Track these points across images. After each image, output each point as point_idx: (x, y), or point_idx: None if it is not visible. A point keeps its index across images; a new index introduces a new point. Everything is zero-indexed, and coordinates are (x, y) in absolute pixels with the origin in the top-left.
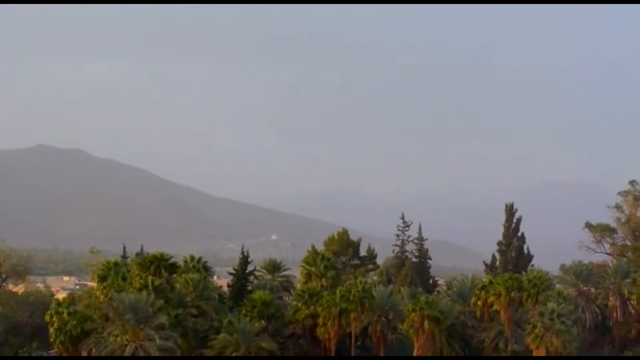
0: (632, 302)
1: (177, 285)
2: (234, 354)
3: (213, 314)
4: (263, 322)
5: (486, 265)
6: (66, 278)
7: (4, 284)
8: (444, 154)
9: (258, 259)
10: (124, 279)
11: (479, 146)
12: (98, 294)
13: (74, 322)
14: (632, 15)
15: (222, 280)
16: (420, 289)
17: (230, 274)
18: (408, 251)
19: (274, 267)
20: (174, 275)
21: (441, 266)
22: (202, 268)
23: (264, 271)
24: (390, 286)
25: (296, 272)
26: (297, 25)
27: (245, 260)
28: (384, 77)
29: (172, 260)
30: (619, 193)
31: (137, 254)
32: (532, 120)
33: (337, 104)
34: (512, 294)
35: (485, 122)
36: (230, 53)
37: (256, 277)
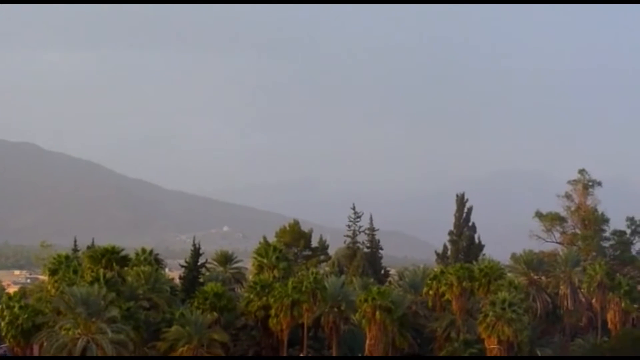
0: (582, 290)
1: (129, 278)
2: (186, 347)
3: (165, 307)
4: (215, 314)
5: (438, 255)
6: (17, 272)
7: None
8: (396, 145)
9: (210, 251)
10: (75, 272)
11: (430, 137)
12: (49, 287)
13: (25, 316)
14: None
15: (174, 273)
16: (372, 280)
17: (182, 266)
18: (359, 242)
19: (225, 259)
20: (126, 268)
21: (393, 256)
22: (154, 261)
23: (216, 263)
24: (342, 277)
25: (248, 264)
26: (258, 17)
27: (196, 252)
28: (339, 70)
29: (123, 253)
30: (569, 182)
31: (88, 247)
32: (481, 111)
33: (291, 96)
34: (464, 283)
35: (437, 114)
36: (184, 45)
37: (208, 269)
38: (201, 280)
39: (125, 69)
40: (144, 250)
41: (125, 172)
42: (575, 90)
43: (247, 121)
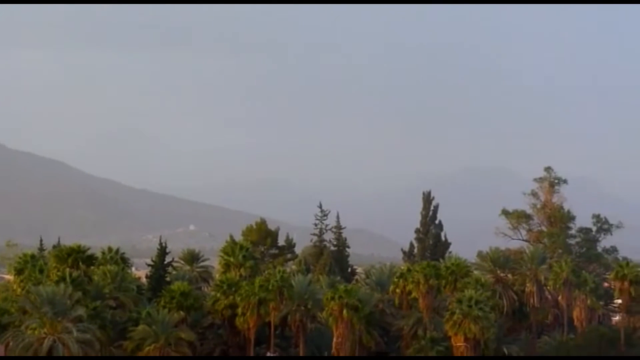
0: (548, 287)
1: (95, 278)
2: (152, 346)
3: (131, 306)
4: (182, 313)
5: (404, 253)
6: None
7: None
8: (363, 144)
9: (177, 249)
10: (41, 271)
11: (398, 136)
12: (15, 287)
13: None
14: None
15: (140, 272)
16: (338, 278)
17: (149, 265)
18: (326, 240)
19: (192, 257)
20: (92, 267)
21: (360, 255)
22: (120, 260)
23: (183, 262)
24: (309, 275)
25: (215, 263)
26: (233, 17)
27: (163, 251)
28: (309, 71)
29: (89, 253)
30: (535, 180)
31: (54, 247)
32: (450, 109)
33: (259, 96)
34: (430, 281)
35: (405, 112)
36: (153, 45)
37: (174, 268)
38: (168, 279)
39: (92, 69)
40: (110, 250)
41: (92, 171)
42: (543, 91)
43: (217, 121)
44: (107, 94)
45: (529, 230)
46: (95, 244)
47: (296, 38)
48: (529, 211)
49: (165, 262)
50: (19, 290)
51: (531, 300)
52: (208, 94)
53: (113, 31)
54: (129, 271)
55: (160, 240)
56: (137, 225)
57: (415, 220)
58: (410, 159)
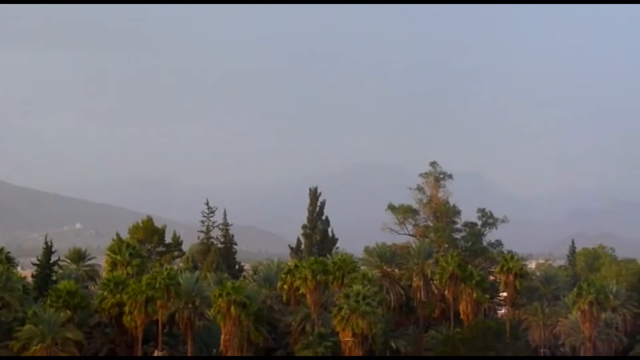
0: (434, 282)
1: None
2: (39, 345)
3: (17, 305)
4: (69, 312)
5: (292, 249)
6: None
7: None
8: (251, 142)
9: (63, 248)
10: None
11: (287, 133)
12: None
13: None
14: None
15: (26, 271)
16: (226, 275)
17: (34, 264)
18: (214, 237)
19: (78, 256)
20: None
21: (247, 251)
22: (5, 259)
23: (69, 261)
24: (197, 272)
25: (101, 261)
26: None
27: (49, 250)
28: (193, 68)
29: None
30: (421, 175)
31: None
32: (339, 109)
33: (146, 92)
34: (318, 277)
35: (296, 110)
36: (35, 42)
37: (61, 267)
38: (54, 278)
39: None
40: None
41: None
42: (434, 90)
43: (102, 118)
44: None
45: (415, 225)
46: None
47: (172, 35)
48: (415, 206)
49: (52, 261)
50: None
51: (418, 295)
52: (91, 91)
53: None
54: (15, 271)
55: (45, 239)
56: (22, 224)
57: (303, 217)
58: (300, 158)
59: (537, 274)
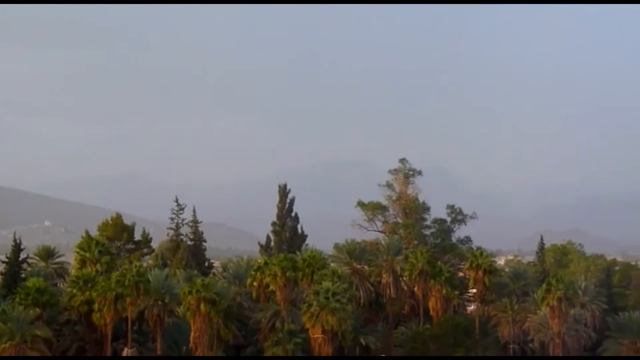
0: (404, 278)
1: None
2: (8, 343)
3: None
4: (38, 309)
5: (261, 246)
6: None
7: None
8: (220, 138)
9: (32, 246)
10: None
11: (256, 130)
12: None
13: None
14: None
15: None
16: (196, 272)
17: (3, 262)
18: (183, 234)
19: (47, 253)
20: None
21: (217, 248)
22: None
23: (38, 258)
24: (166, 270)
25: (70, 259)
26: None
27: (17, 247)
28: (165, 64)
29: None
30: (390, 171)
31: None
32: (310, 108)
33: (116, 89)
34: (288, 274)
35: (266, 107)
36: (12, 41)
37: (30, 265)
38: (23, 275)
39: None
40: None
41: None
42: (402, 88)
43: (71, 115)
44: None
45: (385, 222)
46: None
47: (150, 33)
48: (385, 203)
49: (20, 259)
50: None
51: (387, 291)
52: (58, 88)
53: None
54: None
55: (14, 236)
56: None
57: (272, 214)
58: (269, 156)
59: (506, 270)
